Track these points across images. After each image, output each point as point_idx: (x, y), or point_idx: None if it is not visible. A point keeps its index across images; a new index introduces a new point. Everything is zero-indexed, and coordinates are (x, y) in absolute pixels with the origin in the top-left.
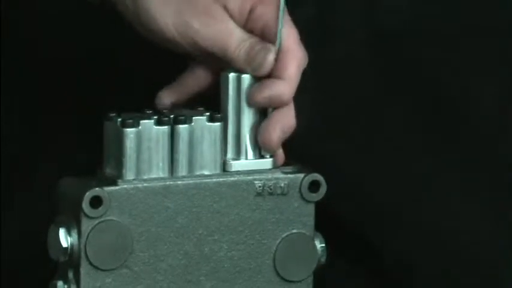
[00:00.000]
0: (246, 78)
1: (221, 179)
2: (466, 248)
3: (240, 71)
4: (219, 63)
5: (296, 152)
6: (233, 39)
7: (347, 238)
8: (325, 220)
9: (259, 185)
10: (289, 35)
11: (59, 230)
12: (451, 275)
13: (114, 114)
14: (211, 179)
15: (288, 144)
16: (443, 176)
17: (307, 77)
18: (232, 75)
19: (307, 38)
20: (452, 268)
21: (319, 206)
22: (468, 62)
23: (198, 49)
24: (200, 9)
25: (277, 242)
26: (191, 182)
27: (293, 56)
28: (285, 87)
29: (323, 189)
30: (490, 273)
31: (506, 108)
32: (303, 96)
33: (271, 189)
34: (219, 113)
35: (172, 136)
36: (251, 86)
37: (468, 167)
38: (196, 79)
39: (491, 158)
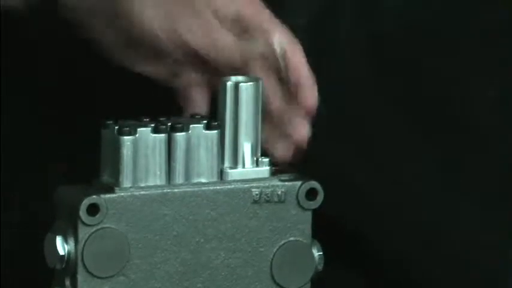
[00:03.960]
0: (244, 86)
1: (218, 187)
2: (465, 250)
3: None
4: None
5: (297, 163)
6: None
7: (346, 240)
8: (324, 222)
9: (256, 192)
10: (298, 61)
11: (55, 237)
12: (450, 277)
13: (111, 122)
14: (208, 186)
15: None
16: (443, 178)
17: None
18: (230, 83)
19: (307, 43)
20: (452, 270)
21: (318, 208)
22: (467, 64)
23: (185, 51)
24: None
25: (275, 249)
26: (188, 189)
27: (309, 87)
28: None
29: (320, 197)
30: (489, 275)
31: (506, 110)
32: None
33: (268, 196)
34: (216, 121)
35: (170, 144)
36: (249, 94)
37: (468, 168)
38: (195, 103)
39: (491, 159)
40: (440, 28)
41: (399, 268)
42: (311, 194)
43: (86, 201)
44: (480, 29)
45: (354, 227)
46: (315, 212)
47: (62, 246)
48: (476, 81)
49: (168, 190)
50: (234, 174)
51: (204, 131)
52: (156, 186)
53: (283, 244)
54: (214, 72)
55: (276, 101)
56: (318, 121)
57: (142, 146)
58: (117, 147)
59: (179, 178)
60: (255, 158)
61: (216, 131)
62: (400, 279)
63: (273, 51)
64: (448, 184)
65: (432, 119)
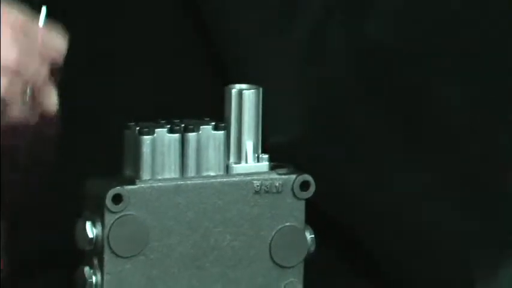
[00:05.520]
0: (247, 93)
1: (224, 179)
2: (446, 245)
3: None
4: None
5: (292, 155)
6: None
7: (342, 237)
8: (317, 218)
9: (257, 184)
10: None
11: (85, 223)
12: (438, 275)
13: (132, 124)
14: (216, 179)
15: (286, 150)
16: (425, 178)
17: (303, 91)
18: (234, 91)
19: (299, 57)
20: (439, 268)
21: (311, 205)
22: (447, 78)
23: None
24: None
25: (273, 233)
26: (199, 181)
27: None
28: None
29: (312, 188)
30: (476, 272)
31: (479, 113)
32: (298, 106)
33: (267, 188)
34: (223, 123)
35: (183, 142)
36: (251, 100)
37: (446, 167)
38: None
39: (465, 158)
40: (419, 43)
41: (390, 266)
42: (304, 185)
43: (111, 192)
44: (459, 44)
45: (350, 226)
46: (308, 202)
47: (91, 231)
48: (454, 94)
49: (182, 182)
50: (238, 168)
51: (212, 131)
52: (171, 179)
53: (280, 228)
54: None
55: None
56: (314, 126)
57: (159, 144)
58: (137, 146)
59: (191, 172)
60: (256, 155)
61: (222, 132)
62: (398, 279)
63: None
64: (430, 184)
65: (413, 128)
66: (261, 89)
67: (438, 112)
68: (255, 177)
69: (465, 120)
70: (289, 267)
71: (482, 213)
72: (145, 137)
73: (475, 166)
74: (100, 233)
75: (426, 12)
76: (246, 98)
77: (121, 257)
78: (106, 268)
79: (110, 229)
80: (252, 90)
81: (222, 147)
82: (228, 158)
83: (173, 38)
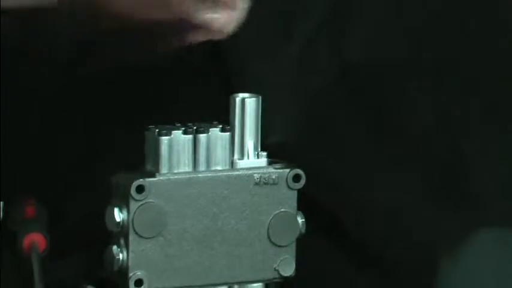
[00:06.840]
0: (249, 101)
1: (230, 173)
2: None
3: None
4: None
5: (286, 156)
6: None
7: (333, 229)
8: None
9: (257, 177)
10: None
11: (114, 209)
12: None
13: (152, 127)
14: (223, 172)
15: (282, 151)
16: (405, 177)
17: (296, 98)
18: (238, 99)
19: (293, 70)
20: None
21: (303, 198)
22: (422, 85)
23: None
24: None
25: (270, 217)
26: (208, 175)
27: None
28: None
29: (303, 181)
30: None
31: (446, 119)
32: (292, 112)
33: (265, 180)
34: (228, 126)
35: (195, 142)
36: (252, 106)
37: (413, 165)
38: None
39: (429, 157)
40: (395, 55)
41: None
42: (296, 178)
43: (135, 183)
44: (433, 55)
45: (341, 218)
46: (299, 192)
47: (118, 215)
48: (428, 105)
49: (194, 175)
50: (241, 163)
51: (220, 133)
52: (185, 172)
53: (276, 214)
54: None
55: None
56: (306, 129)
57: (175, 143)
58: (157, 145)
59: (202, 166)
60: (256, 152)
61: (228, 133)
62: (382, 270)
63: None
64: (406, 182)
65: (386, 127)
66: (260, 97)
67: (413, 116)
68: (255, 171)
69: (437, 122)
70: (284, 246)
71: (464, 216)
72: (163, 137)
73: (448, 166)
74: (126, 217)
75: (401, 30)
76: (247, 105)
77: (143, 237)
78: (131, 247)
79: (134, 214)
80: (253, 98)
81: (227, 146)
82: (233, 155)
83: (187, 57)
